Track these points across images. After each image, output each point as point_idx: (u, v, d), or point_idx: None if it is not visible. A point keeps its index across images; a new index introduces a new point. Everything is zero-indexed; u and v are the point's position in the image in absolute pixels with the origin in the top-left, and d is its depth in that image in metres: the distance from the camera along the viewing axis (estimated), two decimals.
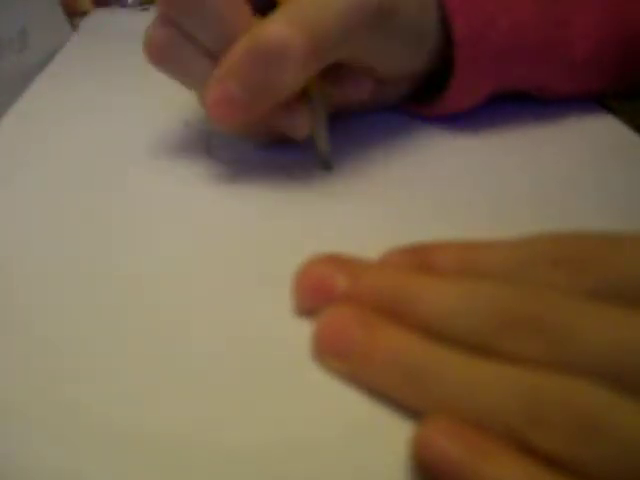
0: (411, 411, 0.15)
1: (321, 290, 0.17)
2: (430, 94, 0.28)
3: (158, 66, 0.24)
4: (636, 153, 0.27)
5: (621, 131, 0.29)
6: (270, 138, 0.27)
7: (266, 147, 0.27)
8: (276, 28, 0.20)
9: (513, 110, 0.30)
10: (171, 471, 0.14)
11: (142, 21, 0.24)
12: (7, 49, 0.37)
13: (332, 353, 0.16)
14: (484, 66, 0.27)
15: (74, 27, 0.46)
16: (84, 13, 0.50)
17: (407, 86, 0.29)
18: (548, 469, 0.12)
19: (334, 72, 0.24)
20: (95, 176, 0.25)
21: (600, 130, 0.29)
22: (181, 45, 0.23)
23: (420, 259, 0.17)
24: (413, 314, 0.15)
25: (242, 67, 0.21)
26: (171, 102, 0.31)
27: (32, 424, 0.15)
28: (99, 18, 0.49)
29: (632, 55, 0.29)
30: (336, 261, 0.17)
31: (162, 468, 0.14)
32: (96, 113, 0.31)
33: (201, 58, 0.23)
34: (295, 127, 0.24)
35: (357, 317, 0.16)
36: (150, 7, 0.51)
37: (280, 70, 0.21)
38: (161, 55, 0.24)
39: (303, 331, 0.17)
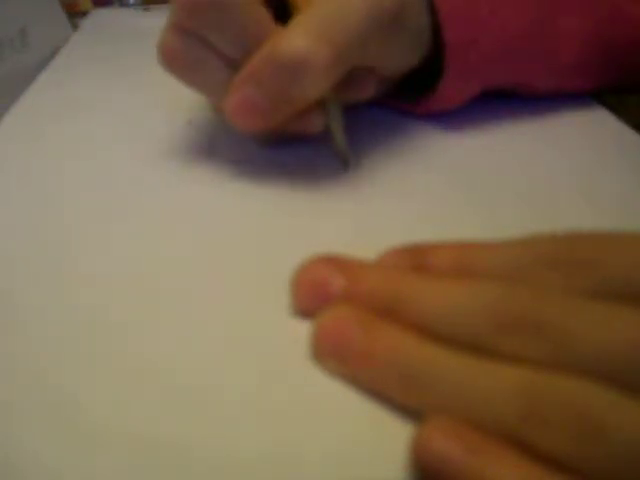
0: (410, 412, 0.15)
1: (319, 291, 0.17)
2: (415, 91, 0.29)
3: (173, 73, 0.24)
4: (634, 151, 0.27)
5: (619, 128, 0.29)
6: (281, 138, 0.27)
7: (271, 146, 0.27)
8: (298, 40, 0.20)
9: (509, 110, 0.30)
10: (168, 473, 0.14)
11: (143, 21, 0.24)
12: (7, 49, 0.37)
13: (331, 354, 0.16)
14: (473, 68, 0.27)
15: (74, 27, 0.46)
16: (84, 13, 0.50)
17: (396, 82, 0.29)
18: (548, 469, 0.12)
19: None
20: (96, 176, 0.26)
21: (598, 128, 0.29)
22: (198, 52, 0.23)
23: (417, 260, 0.17)
24: (411, 315, 0.15)
25: (264, 76, 0.21)
26: (173, 102, 0.31)
27: (29, 424, 0.15)
28: (100, 18, 0.49)
29: (615, 57, 0.30)
30: (334, 262, 0.17)
31: (159, 470, 0.14)
32: (97, 113, 0.31)
33: (219, 65, 0.23)
34: (308, 127, 0.25)
35: (356, 318, 0.16)
36: (151, 7, 0.51)
37: (302, 82, 0.21)
38: (177, 62, 0.23)
39: (301, 332, 0.17)
